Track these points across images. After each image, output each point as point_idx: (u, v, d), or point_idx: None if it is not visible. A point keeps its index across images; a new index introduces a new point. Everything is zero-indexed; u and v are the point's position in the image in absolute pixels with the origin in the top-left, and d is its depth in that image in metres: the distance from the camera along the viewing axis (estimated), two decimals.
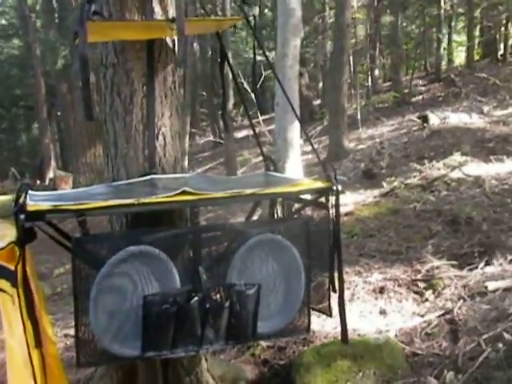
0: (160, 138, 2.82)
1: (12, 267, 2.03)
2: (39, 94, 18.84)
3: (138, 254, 2.24)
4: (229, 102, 12.74)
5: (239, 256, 2.41)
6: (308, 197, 2.83)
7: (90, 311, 2.18)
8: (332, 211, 2.57)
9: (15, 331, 2.09)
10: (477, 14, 19.86)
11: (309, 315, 2.62)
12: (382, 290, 4.31)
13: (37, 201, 2.17)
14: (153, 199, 2.23)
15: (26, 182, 2.19)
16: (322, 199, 2.62)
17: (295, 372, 3.39)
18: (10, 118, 28.86)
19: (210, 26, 2.91)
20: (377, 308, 4.10)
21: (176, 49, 2.89)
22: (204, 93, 23.36)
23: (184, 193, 2.27)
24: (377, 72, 21.34)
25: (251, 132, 17.67)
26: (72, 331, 4.41)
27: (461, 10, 22.70)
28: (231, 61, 2.94)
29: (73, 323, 4.66)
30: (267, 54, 2.89)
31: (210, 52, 23.20)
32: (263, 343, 3.74)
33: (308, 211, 2.76)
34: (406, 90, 17.26)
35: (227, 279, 2.40)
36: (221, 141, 18.58)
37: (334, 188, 2.52)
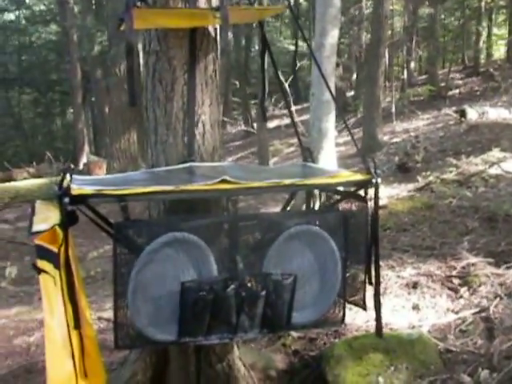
0: (199, 125, 2.83)
1: (55, 249, 2.06)
2: (75, 79, 19.03)
3: (177, 240, 2.26)
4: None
5: (276, 246, 2.41)
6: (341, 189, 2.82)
7: (129, 295, 2.21)
8: (370, 204, 2.55)
9: (55, 312, 2.13)
10: None
11: (343, 307, 2.63)
12: (415, 285, 4.26)
13: (79, 185, 2.19)
14: (193, 187, 2.24)
15: (69, 166, 2.21)
16: (361, 192, 2.60)
17: (326, 364, 3.39)
18: (45, 103, 29.25)
19: (253, 15, 2.90)
20: (410, 303, 4.06)
21: (218, 37, 2.89)
22: (236, 82, 23.37)
23: (223, 181, 2.27)
24: (412, 65, 21.05)
25: (283, 122, 17.75)
26: (105, 314, 4.50)
27: (502, 3, 22.21)
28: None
29: (106, 306, 4.77)
30: (303, 44, 2.86)
31: (244, 41, 23.20)
32: (294, 334, 3.74)
33: (344, 203, 2.75)
34: (443, 84, 16.99)
35: (264, 268, 2.41)
36: (252, 130, 18.58)
37: (374, 181, 2.50)
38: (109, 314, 4.47)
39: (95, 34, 17.19)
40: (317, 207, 3.23)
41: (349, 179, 2.58)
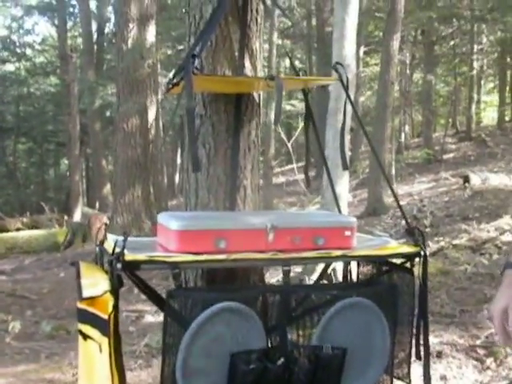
0: (241, 190, 2.81)
1: (105, 316, 1.99)
2: (73, 131, 19.04)
3: (229, 310, 2.19)
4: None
5: (326, 318, 2.34)
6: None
7: (177, 367, 2.12)
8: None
9: (96, 380, 2.06)
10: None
11: (391, 381, 2.54)
12: (439, 355, 4.17)
13: (130, 249, 2.13)
14: (246, 256, 2.20)
15: (125, 232, 2.16)
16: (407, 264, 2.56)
17: None
18: (40, 153, 29.37)
19: (300, 83, 2.91)
20: (437, 373, 3.95)
21: (260, 103, 2.92)
22: None
23: (275, 254, 2.24)
24: (407, 128, 21.45)
25: (284, 180, 17.80)
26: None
27: (490, 71, 22.92)
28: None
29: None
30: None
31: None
32: None
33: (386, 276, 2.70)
34: (436, 148, 17.27)
35: (313, 341, 2.33)
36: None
37: (423, 253, 2.47)
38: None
39: (96, 87, 17.42)
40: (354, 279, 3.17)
41: (398, 251, 2.53)
